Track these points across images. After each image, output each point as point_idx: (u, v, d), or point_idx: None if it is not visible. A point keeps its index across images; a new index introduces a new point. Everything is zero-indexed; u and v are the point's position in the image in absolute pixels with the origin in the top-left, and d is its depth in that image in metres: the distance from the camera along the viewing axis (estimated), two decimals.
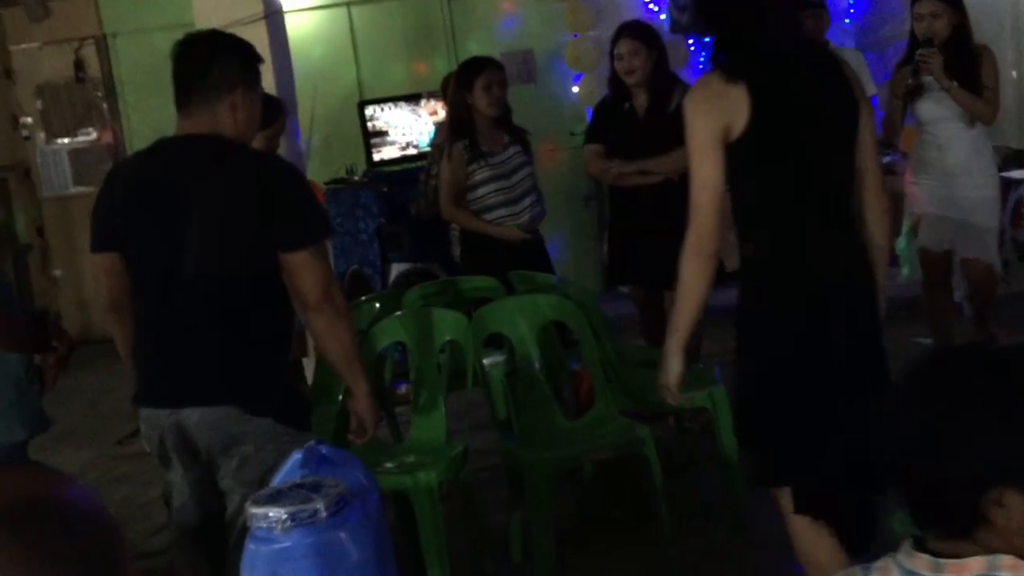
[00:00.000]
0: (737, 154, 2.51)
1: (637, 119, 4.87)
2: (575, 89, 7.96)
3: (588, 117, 7.88)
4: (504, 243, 4.78)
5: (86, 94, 8.45)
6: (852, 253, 2.64)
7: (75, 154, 8.52)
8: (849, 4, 7.59)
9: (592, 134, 5.06)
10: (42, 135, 8.55)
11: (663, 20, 7.98)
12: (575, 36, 7.94)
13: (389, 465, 3.62)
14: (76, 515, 0.89)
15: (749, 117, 2.46)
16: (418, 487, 3.39)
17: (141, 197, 2.73)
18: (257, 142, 4.45)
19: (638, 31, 4.96)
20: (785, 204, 2.58)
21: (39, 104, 8.53)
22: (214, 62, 2.72)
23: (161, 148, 2.83)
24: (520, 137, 5.00)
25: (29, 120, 8.56)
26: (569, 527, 3.95)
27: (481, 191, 4.80)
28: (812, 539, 2.69)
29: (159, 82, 8.46)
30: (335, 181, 6.95)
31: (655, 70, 4.83)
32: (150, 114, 8.21)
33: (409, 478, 3.42)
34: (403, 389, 4.79)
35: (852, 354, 2.59)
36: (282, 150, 5.61)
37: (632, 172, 4.79)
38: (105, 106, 8.46)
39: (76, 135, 8.49)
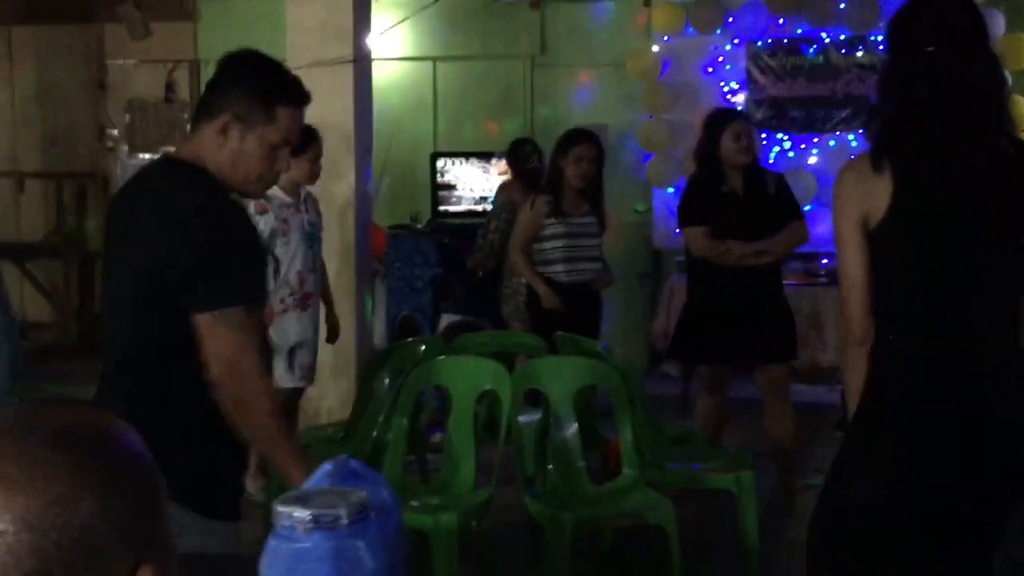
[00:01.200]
0: (872, 246, 2.32)
1: (740, 200, 4.98)
2: (644, 168, 8.09)
3: (655, 196, 8.08)
4: (563, 298, 5.11)
5: (173, 114, 8.74)
6: (999, 380, 2.31)
7: None
8: None
9: (694, 216, 5.08)
10: (126, 148, 8.85)
11: (739, 109, 8.11)
12: (650, 117, 8.09)
13: (413, 504, 3.68)
14: (132, 450, 0.98)
15: (888, 207, 2.26)
16: (438, 528, 3.45)
17: (107, 222, 2.51)
18: (297, 169, 4.73)
19: (747, 116, 5.23)
20: (910, 309, 2.35)
21: (127, 118, 8.85)
22: (221, 80, 2.39)
23: (140, 171, 2.54)
24: (599, 210, 5.36)
25: (115, 132, 8.87)
26: None
27: (548, 244, 5.21)
28: None
29: None
30: (398, 227, 7.11)
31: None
32: None
33: (431, 518, 3.48)
34: (437, 437, 4.86)
35: (962, 503, 2.29)
36: (351, 191, 5.82)
37: (751, 253, 4.89)
38: (189, 128, 8.73)
39: (158, 152, 8.76)
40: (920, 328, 2.33)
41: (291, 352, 4.87)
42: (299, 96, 2.37)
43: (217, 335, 2.22)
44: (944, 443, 2.27)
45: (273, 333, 4.83)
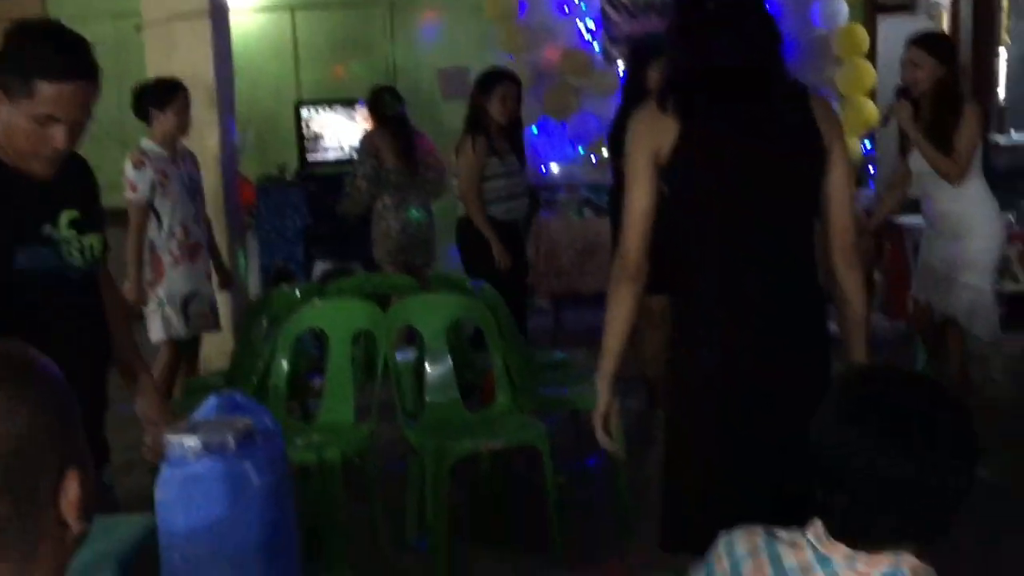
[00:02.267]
0: (664, 182, 2.43)
1: None
2: None
3: None
4: (501, 236, 5.36)
5: None
6: (794, 302, 2.45)
7: None
8: None
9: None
10: None
11: (596, 50, 8.32)
12: (510, 57, 8.22)
13: (297, 442, 3.81)
14: (53, 373, 1.12)
15: (674, 145, 2.38)
16: (322, 463, 3.60)
17: None
18: (164, 121, 4.84)
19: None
20: (699, 250, 2.45)
21: None
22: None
23: None
24: (520, 149, 5.57)
25: None
26: (463, 514, 4.18)
27: (489, 184, 5.39)
28: None
29: (104, 69, 8.59)
30: (266, 178, 7.14)
31: None
32: None
33: (314, 453, 3.62)
34: (317, 383, 4.99)
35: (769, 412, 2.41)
36: (216, 144, 5.84)
37: None
38: None
39: None
40: (715, 263, 2.44)
41: (185, 303, 4.98)
42: (63, 71, 2.20)
43: None
44: (744, 364, 2.42)
45: (164, 286, 4.93)
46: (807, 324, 2.49)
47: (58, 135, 2.23)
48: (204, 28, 5.80)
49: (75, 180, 2.45)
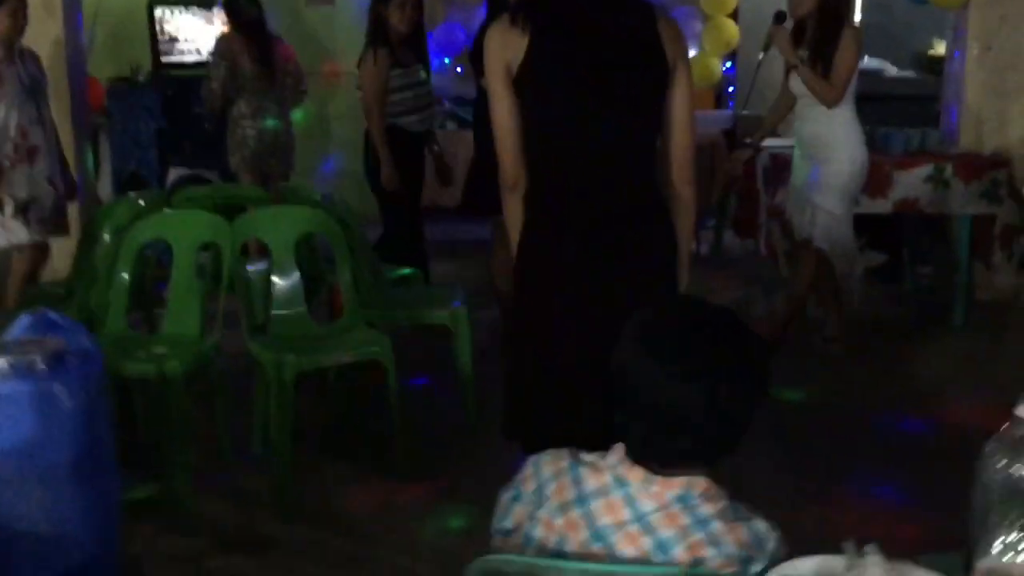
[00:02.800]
0: (517, 94, 2.46)
1: None
2: None
3: None
4: (413, 146, 5.33)
5: None
6: (634, 215, 2.53)
7: None
8: None
9: None
10: None
11: None
12: None
13: (139, 354, 3.77)
14: None
15: (522, 59, 2.42)
16: (163, 375, 3.57)
17: None
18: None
19: None
20: (546, 159, 2.50)
21: None
22: None
23: None
24: (424, 58, 5.48)
25: None
26: (309, 427, 4.21)
27: (397, 96, 5.26)
28: None
29: None
30: (118, 79, 6.90)
31: None
32: None
33: (154, 366, 3.59)
34: (166, 295, 4.92)
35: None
36: (60, 42, 5.61)
37: None
38: None
39: None
40: (561, 174, 2.51)
41: (25, 208, 4.83)
42: None
43: None
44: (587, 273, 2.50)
45: (3, 188, 4.76)
46: (649, 237, 2.56)
47: None
48: None
49: None
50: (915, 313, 6.10)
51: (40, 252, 5.08)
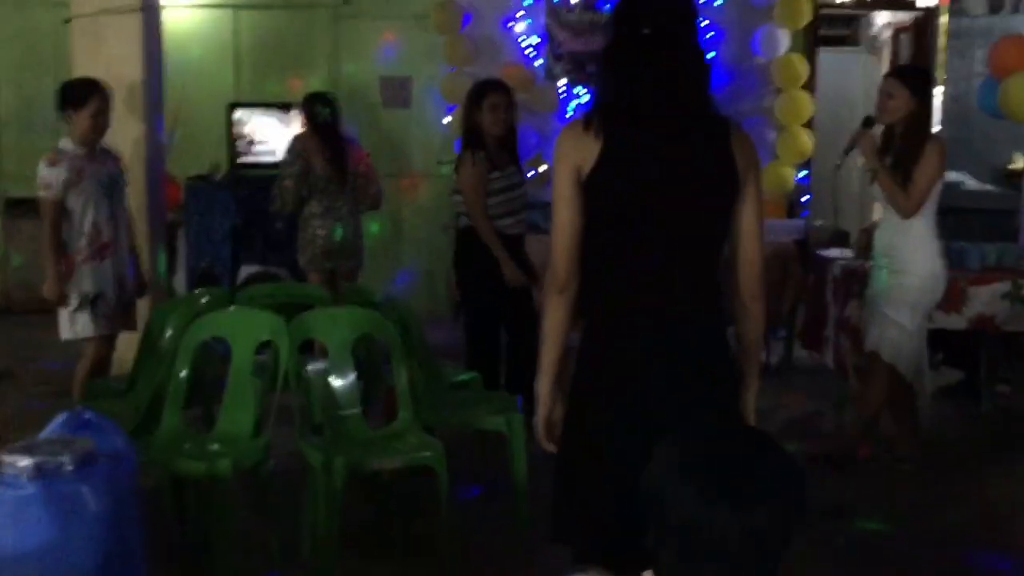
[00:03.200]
0: (586, 199, 2.45)
1: None
2: (446, 120, 8.23)
3: (457, 148, 8.24)
4: (511, 249, 5.26)
5: None
6: (696, 329, 2.50)
7: None
8: None
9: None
10: None
11: (538, 67, 8.35)
12: (453, 69, 8.23)
13: (191, 451, 3.77)
14: None
15: (594, 163, 2.43)
16: (212, 474, 3.56)
17: None
18: (79, 122, 4.85)
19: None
20: (609, 265, 2.50)
21: None
22: None
23: None
24: (517, 160, 5.43)
25: None
26: (359, 532, 4.15)
27: (493, 200, 5.24)
28: None
29: (34, 58, 8.48)
30: (196, 178, 7.07)
31: None
32: (21, 87, 8.23)
33: (204, 464, 3.58)
34: None
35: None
36: (142, 142, 5.77)
37: None
38: None
39: None
40: (623, 280, 2.49)
41: (92, 302, 4.94)
42: None
43: None
44: (650, 394, 2.44)
45: (73, 284, 4.90)
46: (711, 350, 2.52)
47: None
48: (134, 24, 5.73)
49: None
50: (992, 434, 5.88)
51: (106, 346, 5.16)
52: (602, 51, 2.59)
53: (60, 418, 2.05)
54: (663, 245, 2.47)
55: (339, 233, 5.98)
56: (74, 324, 4.94)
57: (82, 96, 4.91)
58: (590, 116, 2.49)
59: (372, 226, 7.99)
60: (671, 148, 2.47)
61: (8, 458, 1.85)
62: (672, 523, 1.55)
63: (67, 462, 1.83)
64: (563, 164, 2.49)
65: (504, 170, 5.30)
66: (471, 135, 5.31)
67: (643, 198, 2.45)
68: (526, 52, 8.33)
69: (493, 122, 5.23)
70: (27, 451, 1.87)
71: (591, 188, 2.45)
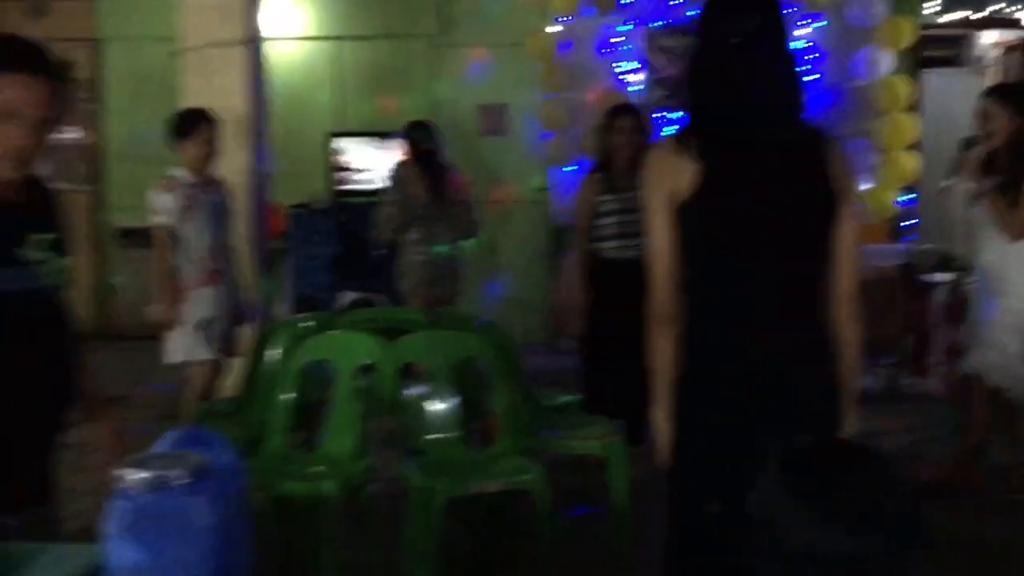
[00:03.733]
0: (681, 224, 2.39)
1: None
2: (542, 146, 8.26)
3: (553, 175, 8.26)
4: (609, 274, 5.28)
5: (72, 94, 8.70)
6: (799, 355, 2.44)
7: (53, 151, 8.74)
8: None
9: None
10: None
11: (634, 92, 8.33)
12: (548, 96, 8.26)
13: (295, 473, 3.82)
14: None
15: (691, 186, 2.35)
16: (318, 495, 3.60)
17: None
18: (188, 151, 4.99)
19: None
20: (710, 292, 2.44)
21: None
22: None
23: None
24: None
25: None
26: (458, 556, 4.15)
27: (603, 220, 5.33)
28: None
29: (144, 90, 8.75)
30: (298, 206, 7.21)
31: None
32: (132, 120, 8.49)
33: (309, 485, 3.62)
34: None
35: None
36: (246, 171, 5.91)
37: None
38: (89, 108, 8.70)
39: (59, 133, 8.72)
40: (724, 305, 2.43)
41: (205, 327, 5.08)
42: (14, 61, 2.23)
43: None
44: (757, 407, 2.38)
45: (185, 310, 5.04)
46: (815, 378, 2.46)
47: (15, 132, 2.23)
48: (239, 56, 5.88)
49: (45, 204, 2.49)
50: None
51: (215, 369, 5.28)
52: (687, 65, 2.49)
53: (171, 434, 2.08)
54: (766, 270, 2.40)
55: (439, 259, 6.02)
56: (186, 348, 5.08)
57: (190, 125, 5.07)
58: (683, 137, 2.40)
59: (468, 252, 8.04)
60: (772, 168, 2.39)
61: (124, 471, 1.89)
62: (784, 549, 1.51)
63: (179, 476, 1.85)
64: (657, 190, 2.41)
65: (622, 193, 5.28)
66: (601, 156, 5.46)
67: (746, 221, 2.38)
68: (619, 77, 8.32)
69: (619, 144, 5.32)
70: (140, 465, 1.90)
71: (690, 213, 2.37)
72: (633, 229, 5.27)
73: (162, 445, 2.12)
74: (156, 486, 1.92)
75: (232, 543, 2.07)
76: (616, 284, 5.29)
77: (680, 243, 2.41)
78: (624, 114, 5.46)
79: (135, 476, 1.92)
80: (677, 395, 2.48)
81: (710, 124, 2.40)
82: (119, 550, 1.97)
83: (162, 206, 4.99)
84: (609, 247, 5.35)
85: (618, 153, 5.34)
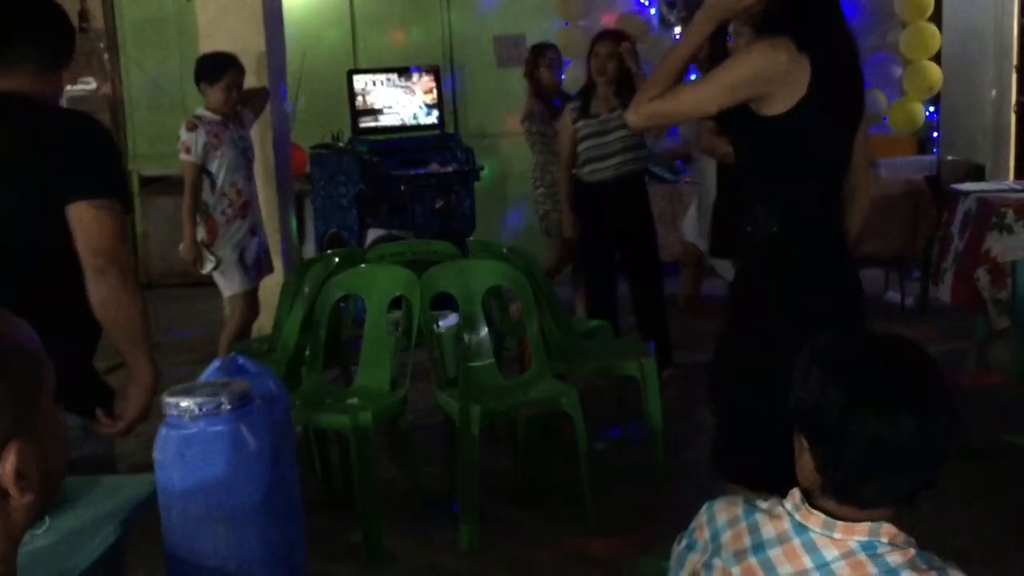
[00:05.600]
0: (780, 128, 2.51)
1: None
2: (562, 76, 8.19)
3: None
4: (588, 198, 5.34)
5: (89, 44, 8.68)
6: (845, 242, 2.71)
7: (73, 102, 8.75)
8: None
9: None
10: None
11: (653, 15, 8.25)
12: (566, 24, 8.19)
13: (333, 406, 3.87)
14: (14, 342, 1.13)
15: (806, 90, 2.47)
16: (355, 426, 3.65)
17: None
18: (214, 96, 5.04)
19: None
20: (816, 185, 2.60)
21: None
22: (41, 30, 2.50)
23: None
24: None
25: None
26: (499, 482, 4.21)
27: (580, 146, 5.37)
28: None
29: (159, 37, 8.73)
30: (320, 146, 7.20)
31: None
32: (149, 67, 8.48)
33: (346, 417, 3.68)
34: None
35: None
36: (267, 112, 5.91)
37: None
38: (106, 57, 8.69)
39: (75, 83, 8.72)
40: (823, 203, 2.64)
41: (240, 256, 5.16)
42: None
43: (97, 222, 2.36)
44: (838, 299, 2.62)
45: (219, 245, 5.12)
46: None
47: None
48: None
49: None
50: None
51: (251, 303, 5.34)
52: None
53: (215, 363, 2.13)
54: (840, 167, 2.66)
55: None
56: (231, 281, 5.20)
57: (217, 70, 5.09)
58: (801, 38, 2.49)
59: (484, 184, 8.05)
60: (851, 79, 2.62)
61: (171, 399, 1.94)
62: (837, 435, 1.51)
63: (225, 402, 1.91)
64: (756, 73, 2.49)
65: (597, 117, 5.31)
66: (586, 82, 5.48)
67: (843, 124, 2.62)
68: (640, 1, 8.23)
69: (594, 68, 5.32)
70: (187, 393, 1.95)
71: (799, 119, 2.49)
72: (602, 152, 5.34)
73: (207, 374, 2.18)
74: (203, 413, 1.97)
75: (280, 465, 2.13)
76: (599, 209, 5.36)
77: (770, 147, 2.59)
78: (600, 38, 5.44)
79: (182, 404, 1.98)
80: (786, 284, 2.61)
81: (813, 33, 2.52)
82: (169, 476, 2.03)
83: (188, 143, 5.04)
84: (581, 173, 5.38)
85: (593, 76, 5.34)
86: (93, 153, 2.43)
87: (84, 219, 2.36)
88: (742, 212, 2.68)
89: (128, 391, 2.45)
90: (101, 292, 2.38)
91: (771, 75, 2.48)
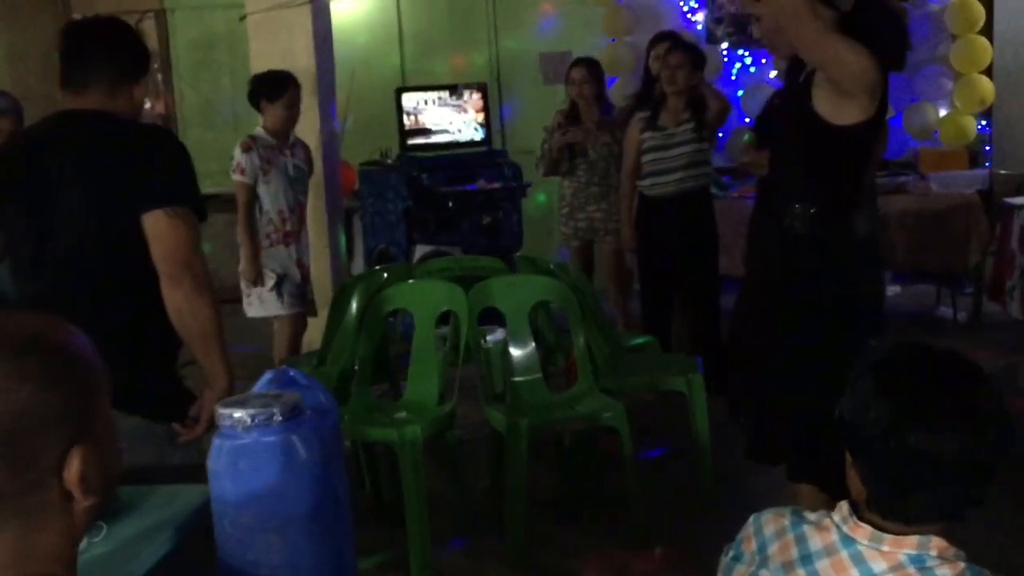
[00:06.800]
0: (858, 134, 2.87)
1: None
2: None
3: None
4: (649, 213, 5.34)
5: None
6: None
7: None
8: None
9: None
10: None
11: (700, 30, 8.24)
12: (612, 40, 8.21)
13: (381, 420, 3.91)
14: (73, 350, 1.16)
15: (879, 106, 2.87)
16: (403, 440, 3.68)
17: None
18: (273, 113, 5.09)
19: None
20: (869, 189, 3.14)
21: None
22: (112, 49, 2.61)
23: (45, 122, 2.65)
24: (699, 117, 5.31)
25: None
26: (545, 496, 4.22)
27: (644, 158, 5.34)
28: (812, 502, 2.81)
29: (212, 58, 8.86)
30: (369, 163, 7.27)
31: None
32: (201, 88, 8.62)
33: (395, 431, 3.71)
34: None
35: None
36: (316, 130, 5.98)
37: None
38: (160, 78, 8.84)
39: None
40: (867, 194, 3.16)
41: (278, 284, 5.22)
42: None
43: (173, 231, 2.46)
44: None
45: (261, 267, 5.19)
46: None
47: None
48: (304, 17, 5.92)
49: None
50: None
51: (299, 324, 5.40)
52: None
53: (267, 375, 2.16)
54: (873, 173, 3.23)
55: None
56: (263, 303, 5.22)
57: (277, 87, 5.15)
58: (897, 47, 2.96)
59: (539, 198, 8.08)
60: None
61: (224, 410, 1.97)
62: (883, 449, 1.50)
63: (277, 413, 1.94)
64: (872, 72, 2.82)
65: (664, 130, 5.26)
66: (641, 94, 5.53)
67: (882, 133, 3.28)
68: (687, 17, 8.23)
69: (666, 80, 5.24)
70: (240, 404, 1.99)
71: (872, 128, 2.90)
72: (667, 166, 5.27)
73: (259, 386, 2.21)
74: (255, 424, 2.00)
75: (330, 476, 2.15)
76: (661, 223, 5.30)
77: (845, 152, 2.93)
78: (674, 50, 5.30)
79: (235, 415, 2.01)
80: (847, 264, 2.93)
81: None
82: (222, 486, 2.06)
83: (242, 163, 5.11)
84: (643, 186, 5.34)
85: (667, 87, 5.23)
86: (168, 163, 2.52)
87: (159, 227, 2.44)
88: (775, 211, 2.95)
89: (203, 394, 2.56)
90: (176, 299, 2.47)
91: (870, 81, 2.82)
